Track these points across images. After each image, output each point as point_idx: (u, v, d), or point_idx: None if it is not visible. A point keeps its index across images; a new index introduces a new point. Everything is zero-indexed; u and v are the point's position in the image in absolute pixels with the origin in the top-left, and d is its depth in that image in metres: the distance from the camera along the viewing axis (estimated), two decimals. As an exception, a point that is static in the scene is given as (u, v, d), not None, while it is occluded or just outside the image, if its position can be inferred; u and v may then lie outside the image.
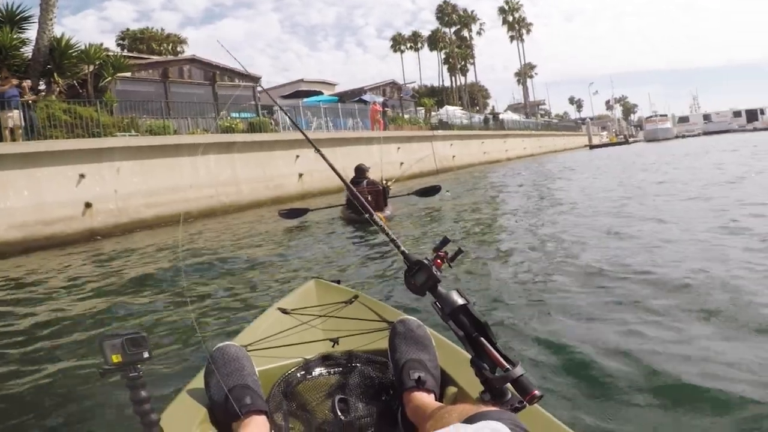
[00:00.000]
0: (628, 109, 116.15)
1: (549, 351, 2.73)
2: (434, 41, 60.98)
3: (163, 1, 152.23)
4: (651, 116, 60.57)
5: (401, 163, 22.67)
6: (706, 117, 59.16)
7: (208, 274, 5.61)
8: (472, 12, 62.83)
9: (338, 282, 2.46)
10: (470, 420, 0.90)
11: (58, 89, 13.45)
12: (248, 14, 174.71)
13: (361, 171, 9.29)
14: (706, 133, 53.07)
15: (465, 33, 62.28)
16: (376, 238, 7.04)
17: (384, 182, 9.28)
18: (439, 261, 1.32)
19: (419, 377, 1.32)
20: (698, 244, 4.97)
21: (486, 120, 38.16)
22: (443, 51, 60.81)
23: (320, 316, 1.98)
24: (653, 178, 12.43)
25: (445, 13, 60.85)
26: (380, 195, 8.92)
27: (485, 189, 14.73)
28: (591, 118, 75.37)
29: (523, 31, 65.07)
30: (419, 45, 63.02)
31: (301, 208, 8.89)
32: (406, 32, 67.71)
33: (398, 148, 23.13)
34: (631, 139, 56.83)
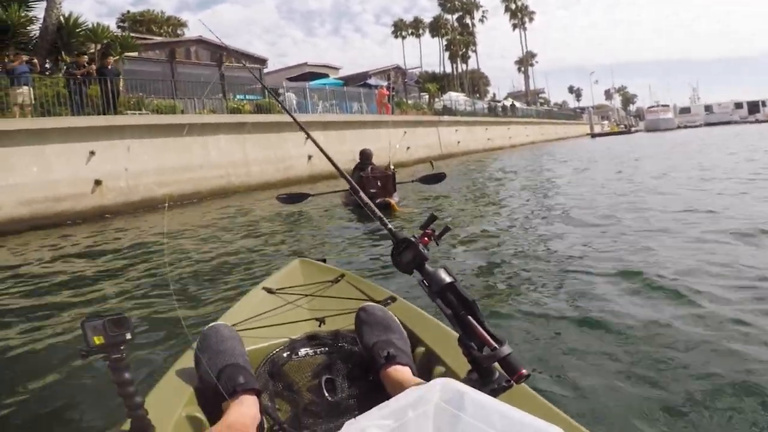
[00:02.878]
0: (628, 99, 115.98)
1: (537, 330, 2.73)
2: (436, 28, 60.56)
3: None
4: (652, 106, 60.47)
5: (407, 148, 22.57)
6: (708, 108, 59.08)
7: (196, 256, 5.55)
8: (475, -1, 62.48)
9: (324, 261, 2.45)
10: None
11: (65, 67, 13.25)
12: (245, 0, 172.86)
13: (366, 155, 9.11)
14: (707, 124, 53.06)
15: (467, 20, 61.90)
16: (367, 225, 7.01)
17: (392, 167, 9.11)
18: (426, 239, 1.29)
19: (388, 353, 1.33)
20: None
21: (504, 108, 38.20)
22: (445, 38, 60.43)
23: (306, 295, 1.96)
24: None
25: (447, 0, 60.43)
26: (389, 180, 8.68)
27: (509, 176, 14.59)
28: (588, 108, 75.24)
29: (526, 19, 64.84)
30: (421, 31, 62.54)
31: (301, 193, 8.70)
32: (405, 18, 67.29)
33: (404, 132, 22.94)
34: (632, 129, 56.60)
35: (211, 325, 1.48)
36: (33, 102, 11.12)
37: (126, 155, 11.58)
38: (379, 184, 8.51)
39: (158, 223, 9.21)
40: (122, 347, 1.02)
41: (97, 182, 10.93)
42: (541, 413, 1.08)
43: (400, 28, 62.53)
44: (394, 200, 8.32)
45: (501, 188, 10.77)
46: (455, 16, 61.39)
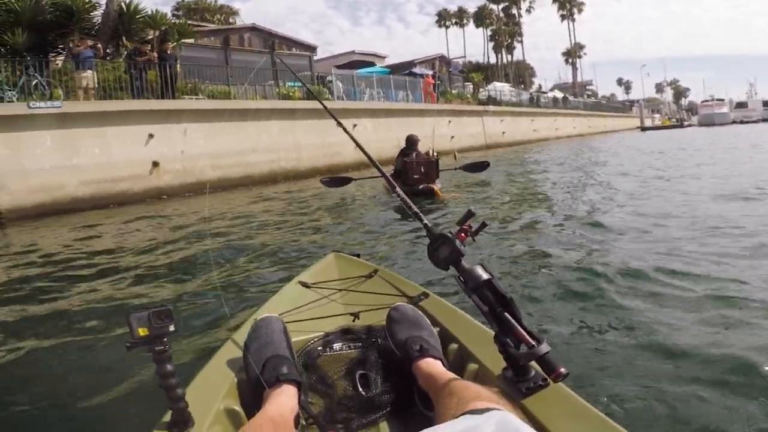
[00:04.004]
0: (680, 93, 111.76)
1: (577, 330, 2.66)
2: (481, 17, 59.63)
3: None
4: (706, 100, 58.13)
5: (452, 137, 22.41)
6: (766, 103, 56.30)
7: (238, 246, 5.51)
8: (522, -11, 61.14)
9: (358, 255, 2.47)
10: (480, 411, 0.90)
11: (125, 52, 13.67)
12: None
13: (412, 142, 9.03)
14: (765, 120, 50.58)
15: (513, 10, 60.69)
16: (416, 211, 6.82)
17: (434, 154, 9.06)
18: (462, 235, 1.27)
19: (421, 345, 1.33)
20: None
21: (555, 99, 37.55)
22: (490, 28, 59.45)
23: (340, 290, 1.98)
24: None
25: (492, -11, 59.41)
26: (432, 166, 8.69)
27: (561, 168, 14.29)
28: (639, 101, 72.85)
29: (575, 10, 63.11)
30: (465, 21, 61.71)
31: (344, 176, 8.76)
32: (449, 8, 66.47)
33: (449, 121, 22.78)
34: (685, 123, 54.34)
35: (263, 316, 1.51)
36: (96, 86, 11.53)
37: (182, 138, 11.89)
38: (422, 170, 8.53)
39: (209, 206, 9.39)
40: (165, 339, 1.04)
41: (155, 164, 11.28)
42: (579, 413, 1.09)
43: (444, 18, 61.93)
44: (437, 186, 8.33)
45: (546, 180, 10.50)
46: (501, 6, 60.27)
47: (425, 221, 1.43)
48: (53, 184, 9.82)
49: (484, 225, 1.33)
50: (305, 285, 2.04)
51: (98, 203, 10.20)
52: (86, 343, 3.04)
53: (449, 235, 1.28)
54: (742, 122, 49.73)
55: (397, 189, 1.67)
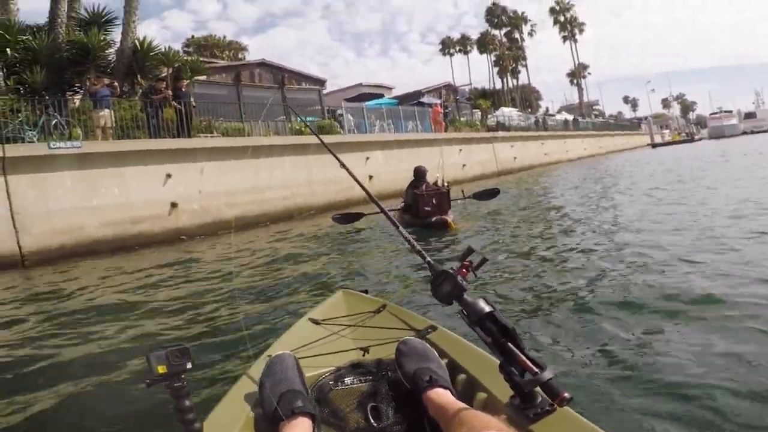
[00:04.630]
0: (687, 107, 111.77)
1: (579, 355, 2.73)
2: (484, 44, 60.26)
3: (218, 11, 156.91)
4: (715, 113, 57.84)
5: (463, 165, 22.43)
6: (775, 113, 56.10)
7: (253, 284, 5.67)
8: (522, 13, 61.95)
9: (366, 291, 2.53)
10: None
11: (140, 90, 13.85)
12: (298, 22, 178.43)
13: (421, 173, 8.97)
14: None
15: (515, 35, 61.34)
16: (429, 244, 6.95)
17: (445, 184, 8.99)
18: (464, 270, 1.33)
19: (430, 377, 1.39)
20: None
21: (566, 122, 37.68)
22: (493, 53, 60.04)
23: (350, 325, 2.05)
24: None
25: (494, 15, 60.17)
26: (443, 197, 8.58)
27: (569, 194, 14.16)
28: (646, 118, 72.80)
29: (576, 30, 63.67)
30: (468, 48, 62.39)
31: (355, 212, 8.74)
32: (450, 36, 67.32)
33: (460, 149, 22.85)
34: (696, 137, 53.99)
35: (277, 353, 1.59)
36: (113, 125, 11.66)
37: (199, 177, 11.98)
38: (434, 201, 8.42)
39: (224, 247, 9.43)
40: (183, 376, 1.09)
41: (173, 204, 11.33)
42: None
43: (447, 46, 62.60)
44: (449, 218, 8.22)
45: (554, 207, 10.40)
46: (503, 31, 60.96)
47: (428, 258, 1.47)
48: (74, 226, 9.90)
49: (484, 260, 1.38)
50: (315, 322, 2.10)
51: (119, 244, 10.24)
52: (109, 379, 3.19)
53: (451, 271, 1.33)
54: (752, 132, 49.45)
55: (399, 228, 1.71)
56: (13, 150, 9.37)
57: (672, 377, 2.34)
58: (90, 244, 9.96)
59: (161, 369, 1.08)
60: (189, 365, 1.10)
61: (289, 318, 3.77)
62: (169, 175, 11.41)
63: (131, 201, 10.80)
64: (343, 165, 2.22)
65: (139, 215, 10.82)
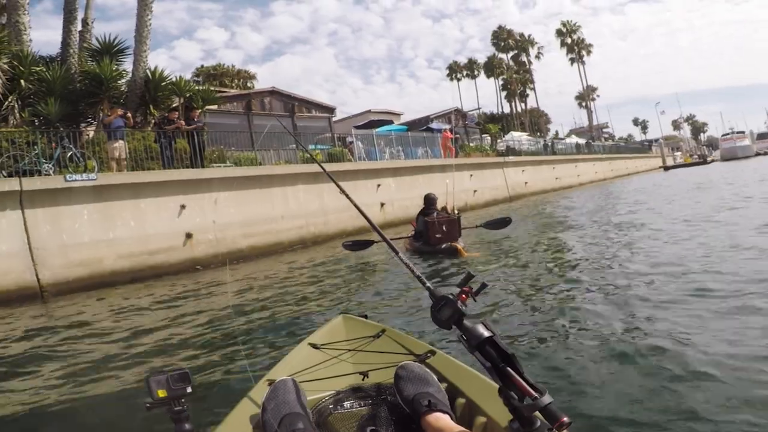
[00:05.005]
0: (698, 129, 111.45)
1: (579, 381, 2.77)
2: (491, 68, 60.61)
3: (225, 40, 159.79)
4: (727, 134, 57.43)
5: (474, 191, 22.38)
6: (788, 133, 55.70)
7: (256, 311, 5.86)
8: (529, 36, 62.51)
9: (365, 316, 2.54)
10: None
11: (153, 121, 13.95)
12: (305, 50, 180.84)
13: (431, 201, 9.05)
14: None
15: (522, 58, 61.75)
16: (434, 272, 6.99)
17: (455, 211, 9.01)
18: (464, 296, 1.34)
19: (429, 401, 1.41)
20: None
21: (578, 146, 37.81)
22: (501, 77, 60.38)
23: (350, 350, 2.06)
24: None
25: (500, 39, 60.60)
26: (454, 224, 8.62)
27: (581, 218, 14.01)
28: (657, 140, 72.60)
29: (583, 52, 63.96)
30: (476, 72, 62.78)
31: (365, 240, 8.81)
32: (457, 60, 67.96)
33: (471, 175, 22.81)
34: (709, 159, 53.49)
35: (280, 378, 1.61)
36: (127, 156, 11.74)
37: (213, 208, 12.00)
38: (444, 228, 8.46)
39: (237, 276, 9.45)
40: (183, 400, 1.11)
41: (188, 235, 11.34)
42: None
43: (454, 71, 63.01)
44: (460, 245, 8.23)
45: (568, 235, 10.30)
46: (510, 54, 61.40)
47: (428, 284, 1.48)
48: (92, 258, 9.91)
49: (484, 285, 1.39)
50: (315, 346, 2.12)
51: (136, 276, 10.23)
52: (113, 401, 3.29)
53: (450, 296, 1.34)
54: (765, 154, 49.00)
55: (399, 255, 1.74)
56: (30, 183, 9.45)
57: (677, 413, 2.32)
58: (107, 276, 9.96)
59: (161, 393, 1.09)
60: (189, 389, 1.12)
61: (289, 342, 3.87)
62: (183, 206, 11.44)
63: (148, 233, 10.81)
64: (343, 191, 2.26)
65: (156, 247, 10.83)
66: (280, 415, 1.38)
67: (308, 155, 16.31)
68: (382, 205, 16.60)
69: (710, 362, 2.82)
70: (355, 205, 2.09)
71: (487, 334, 1.25)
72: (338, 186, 2.28)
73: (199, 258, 11.36)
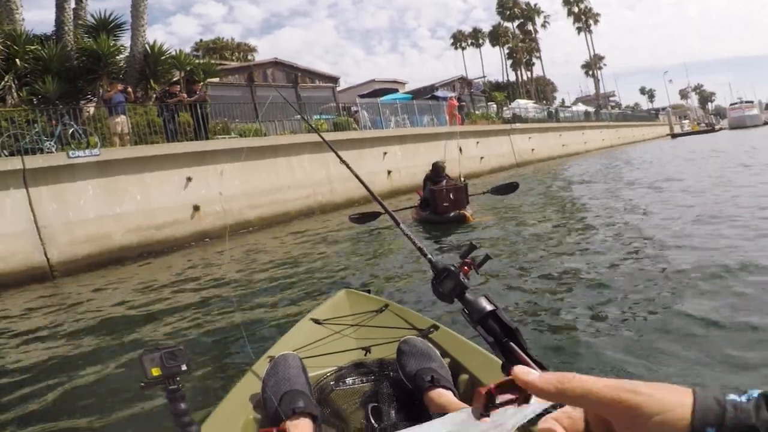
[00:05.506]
0: (705, 98, 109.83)
1: (581, 357, 2.69)
2: (496, 36, 59.58)
3: (223, 14, 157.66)
4: (735, 103, 56.73)
5: (481, 158, 22.14)
6: (797, 103, 54.84)
7: (256, 285, 5.76)
8: (535, 5, 61.19)
9: (368, 291, 2.54)
10: None
11: (154, 95, 13.75)
12: (304, 22, 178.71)
13: (439, 169, 8.85)
14: None
15: (528, 26, 60.62)
16: (442, 242, 6.85)
17: (462, 179, 8.79)
18: (466, 268, 1.30)
19: (432, 377, 1.38)
20: None
21: (587, 113, 37.44)
22: (506, 46, 59.39)
23: (352, 325, 2.04)
24: None
25: (506, 7, 59.41)
26: (462, 192, 8.45)
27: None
28: (665, 108, 71.68)
29: (590, 21, 62.76)
30: (480, 41, 61.79)
31: (372, 212, 8.65)
32: (461, 30, 66.79)
33: (477, 142, 22.56)
34: (716, 127, 52.93)
35: (281, 353, 1.57)
36: (130, 131, 11.58)
37: (219, 179, 11.86)
38: (451, 197, 8.31)
39: (241, 248, 9.34)
40: (178, 378, 1.06)
41: (196, 207, 11.22)
42: None
43: (459, 40, 62.03)
44: (468, 212, 8.11)
45: (576, 200, 10.15)
46: (516, 23, 60.25)
47: (429, 256, 1.44)
48: (99, 234, 9.82)
49: (487, 257, 1.36)
50: (317, 321, 2.10)
51: (144, 250, 10.15)
52: (109, 381, 3.24)
53: (452, 268, 1.30)
54: None
55: (401, 225, 1.68)
56: (32, 161, 9.30)
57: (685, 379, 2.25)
58: (116, 252, 9.88)
59: (155, 371, 1.04)
60: (184, 367, 1.07)
61: (291, 318, 3.77)
62: (189, 179, 11.30)
63: (154, 207, 10.70)
64: (343, 161, 2.15)
65: (164, 220, 10.73)
66: (280, 392, 1.35)
67: (313, 125, 16.15)
68: (389, 172, 16.42)
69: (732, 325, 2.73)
70: (356, 176, 1.99)
71: (489, 307, 1.20)
72: (338, 156, 2.17)
73: (208, 230, 11.26)
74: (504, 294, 4.03)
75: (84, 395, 3.08)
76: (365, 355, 1.75)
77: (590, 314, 3.29)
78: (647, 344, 2.76)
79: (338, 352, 1.78)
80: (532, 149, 26.96)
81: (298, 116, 16.63)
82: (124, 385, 3.07)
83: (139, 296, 6.24)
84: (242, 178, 12.33)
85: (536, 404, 0.53)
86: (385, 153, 16.58)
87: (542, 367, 1.09)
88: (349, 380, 1.58)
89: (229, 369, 3.02)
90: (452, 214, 8.14)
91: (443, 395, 1.33)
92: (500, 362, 1.18)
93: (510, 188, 8.88)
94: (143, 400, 2.57)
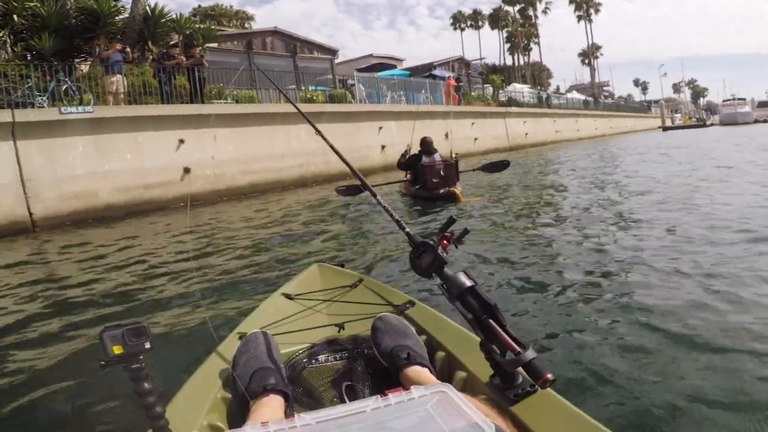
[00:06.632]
0: (698, 93, 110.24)
1: (562, 335, 2.63)
2: (496, 19, 59.22)
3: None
4: (728, 99, 57.03)
5: (475, 139, 22.16)
6: (789, 102, 55.14)
7: (224, 258, 5.37)
8: (537, -10, 60.65)
9: (342, 265, 2.46)
10: None
11: (151, 57, 13.58)
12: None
13: (427, 144, 8.62)
14: None
15: (529, 12, 60.23)
16: (433, 217, 6.69)
17: (453, 155, 8.72)
18: (445, 242, 1.27)
19: (408, 354, 1.33)
20: None
21: (586, 102, 37.39)
22: (505, 30, 59.02)
23: (325, 300, 1.98)
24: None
25: (508, -9, 58.94)
26: (452, 168, 8.33)
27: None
28: (658, 101, 71.96)
29: (591, 11, 62.51)
30: (480, 23, 61.35)
31: (358, 184, 8.43)
32: (461, 10, 66.24)
33: (472, 123, 22.55)
34: (707, 122, 53.31)
35: (252, 331, 1.51)
36: (125, 90, 11.43)
37: (212, 144, 11.76)
38: (442, 173, 8.14)
39: (235, 213, 9.22)
40: (141, 357, 1.01)
41: (186, 170, 11.14)
42: (568, 418, 1.08)
43: (458, 20, 61.59)
44: (458, 189, 7.98)
45: (566, 182, 10.19)
46: (517, 7, 59.82)
47: (407, 229, 1.41)
48: (87, 191, 9.73)
49: (466, 231, 1.33)
50: (288, 297, 2.03)
51: (131, 210, 10.08)
52: (69, 359, 2.95)
53: (431, 242, 1.27)
54: (764, 121, 48.78)
55: (378, 197, 1.63)
56: (23, 115, 9.13)
57: (660, 361, 2.26)
58: (102, 210, 9.81)
59: (117, 350, 0.98)
60: (148, 345, 1.01)
61: (261, 293, 3.55)
62: (182, 141, 11.20)
63: (145, 166, 10.61)
64: (318, 132, 2.11)
65: (153, 181, 10.65)
66: (251, 370, 1.31)
67: (309, 96, 16.01)
68: (383, 147, 16.38)
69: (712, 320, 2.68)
70: (332, 147, 1.97)
71: (468, 283, 1.18)
72: (315, 127, 2.13)
73: (197, 193, 11.22)
74: (483, 270, 3.91)
75: (38, 375, 2.80)
76: (339, 331, 1.69)
77: (574, 295, 3.22)
78: (630, 320, 2.76)
79: (310, 329, 1.72)
80: (526, 133, 27.00)
81: (294, 86, 16.54)
82: (81, 364, 2.81)
83: (112, 261, 5.83)
84: (236, 143, 12.24)
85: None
86: (381, 128, 16.52)
87: (520, 344, 1.11)
88: (321, 357, 1.53)
89: (197, 346, 2.77)
90: (442, 191, 7.98)
91: (420, 373, 1.29)
92: (478, 339, 1.17)
93: (501, 166, 8.81)
94: (103, 380, 2.35)
